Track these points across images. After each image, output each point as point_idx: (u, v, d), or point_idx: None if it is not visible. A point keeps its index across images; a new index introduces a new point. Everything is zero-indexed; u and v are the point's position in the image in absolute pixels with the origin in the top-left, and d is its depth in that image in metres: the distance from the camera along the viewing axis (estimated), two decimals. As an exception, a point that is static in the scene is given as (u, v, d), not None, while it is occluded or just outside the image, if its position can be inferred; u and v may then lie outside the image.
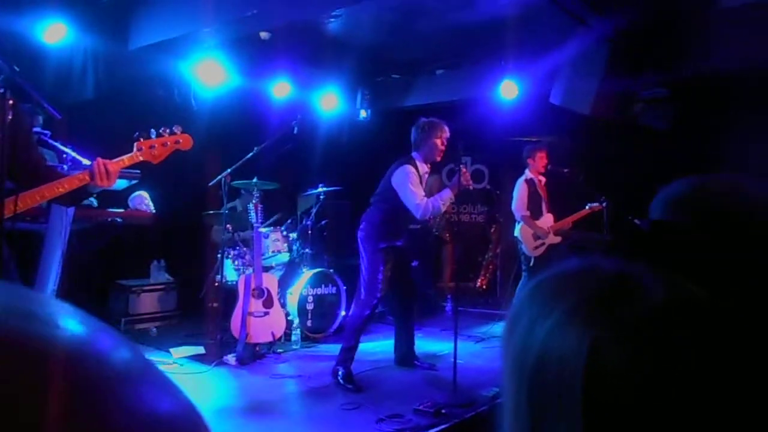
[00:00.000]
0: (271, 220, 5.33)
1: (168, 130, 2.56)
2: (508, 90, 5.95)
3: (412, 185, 3.87)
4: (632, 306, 0.49)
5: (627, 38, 5.09)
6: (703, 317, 0.49)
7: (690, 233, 0.92)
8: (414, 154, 4.04)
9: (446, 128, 4.03)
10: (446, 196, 3.89)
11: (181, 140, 2.58)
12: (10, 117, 2.17)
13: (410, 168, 3.93)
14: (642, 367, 0.47)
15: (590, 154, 6.67)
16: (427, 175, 4.11)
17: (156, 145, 2.51)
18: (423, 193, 3.90)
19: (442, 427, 3.03)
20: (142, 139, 2.49)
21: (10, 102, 2.18)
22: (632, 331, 0.48)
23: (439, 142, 3.98)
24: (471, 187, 4.15)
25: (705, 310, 0.50)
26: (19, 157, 2.24)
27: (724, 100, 5.85)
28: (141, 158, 2.49)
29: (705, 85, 5.84)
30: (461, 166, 3.95)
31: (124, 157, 2.48)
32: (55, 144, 3.72)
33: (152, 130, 2.53)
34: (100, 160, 2.36)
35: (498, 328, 5.58)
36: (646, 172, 6.54)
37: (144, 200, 4.38)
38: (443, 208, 3.92)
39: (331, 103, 6.56)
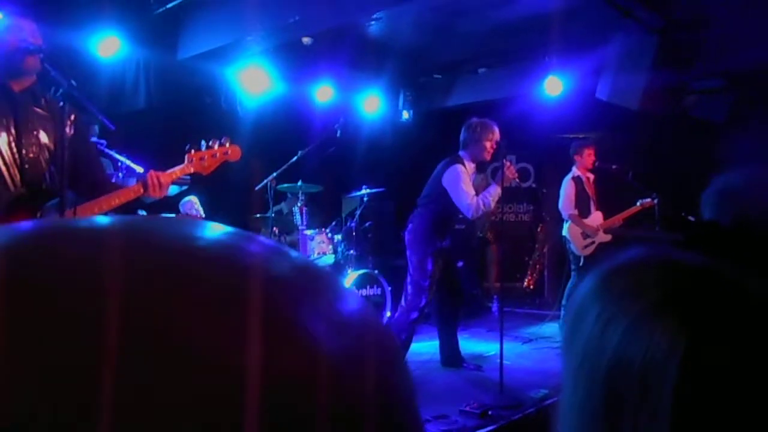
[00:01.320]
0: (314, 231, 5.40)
1: (218, 142, 2.64)
2: (553, 86, 5.84)
3: (464, 185, 3.86)
4: (729, 303, 0.47)
5: (676, 29, 4.93)
6: None
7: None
8: (462, 153, 4.02)
9: (497, 130, 4.01)
10: (494, 192, 3.87)
11: (230, 151, 2.67)
12: (72, 132, 2.29)
13: (461, 167, 3.93)
14: (747, 367, 0.45)
15: (639, 150, 6.48)
16: (474, 175, 4.10)
17: (206, 157, 2.60)
18: (474, 193, 3.89)
19: (489, 428, 3.00)
20: (193, 151, 2.58)
21: (72, 117, 2.31)
22: (734, 330, 0.46)
23: (489, 144, 3.97)
24: (517, 180, 4.11)
25: None
26: (79, 170, 2.36)
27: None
28: (192, 170, 2.59)
29: (763, 75, 5.59)
30: (504, 160, 3.93)
31: (176, 168, 2.58)
32: (111, 153, 3.88)
33: (202, 141, 2.61)
34: (153, 172, 2.45)
35: (546, 328, 5.49)
36: (698, 167, 6.31)
37: (194, 205, 4.52)
38: (493, 204, 3.89)
39: (373, 105, 6.60)
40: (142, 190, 2.41)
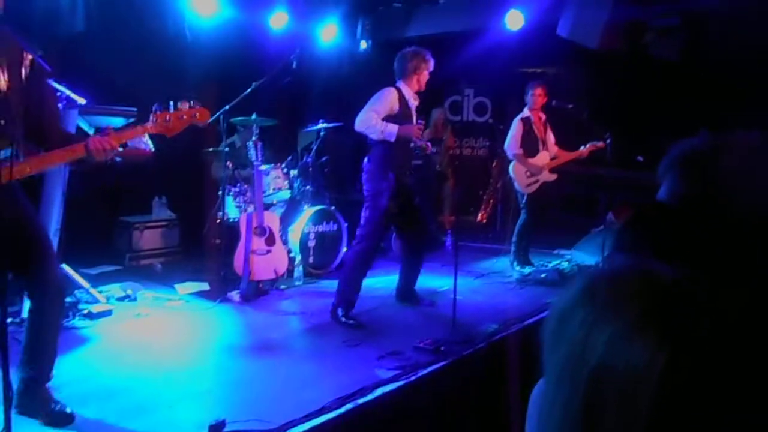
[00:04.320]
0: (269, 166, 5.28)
1: (188, 104, 2.52)
2: (514, 20, 5.74)
3: (378, 104, 3.86)
4: (701, 320, 0.51)
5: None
6: None
7: (712, 215, 0.90)
8: (398, 83, 4.02)
9: (431, 59, 4.03)
10: (388, 131, 3.86)
11: (198, 114, 2.55)
12: (27, 74, 2.16)
13: (390, 91, 3.92)
14: (722, 381, 0.49)
15: (597, 88, 6.52)
16: (416, 105, 4.06)
17: (171, 118, 2.48)
18: (380, 114, 3.87)
19: (442, 364, 3.13)
20: (159, 111, 2.46)
21: (29, 59, 2.17)
22: (707, 346, 0.50)
23: (426, 73, 3.98)
24: (416, 143, 4.15)
25: None
26: (30, 114, 2.25)
27: (735, 30, 5.64)
28: (154, 131, 2.48)
29: (717, 15, 5.62)
30: (420, 121, 3.97)
31: (138, 127, 2.48)
32: (49, 82, 3.62)
33: (171, 102, 2.49)
34: (96, 138, 2.32)
35: (498, 263, 5.65)
36: (653, 106, 6.43)
37: (142, 139, 4.31)
38: (379, 136, 3.86)
39: (330, 34, 6.34)
40: (83, 152, 2.30)
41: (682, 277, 0.55)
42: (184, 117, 2.51)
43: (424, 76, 4.01)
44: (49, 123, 2.42)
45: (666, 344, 0.50)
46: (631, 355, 0.50)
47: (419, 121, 4.02)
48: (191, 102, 2.54)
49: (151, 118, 2.47)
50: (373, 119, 3.84)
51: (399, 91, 3.96)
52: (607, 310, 0.53)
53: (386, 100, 3.88)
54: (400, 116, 3.93)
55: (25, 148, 2.36)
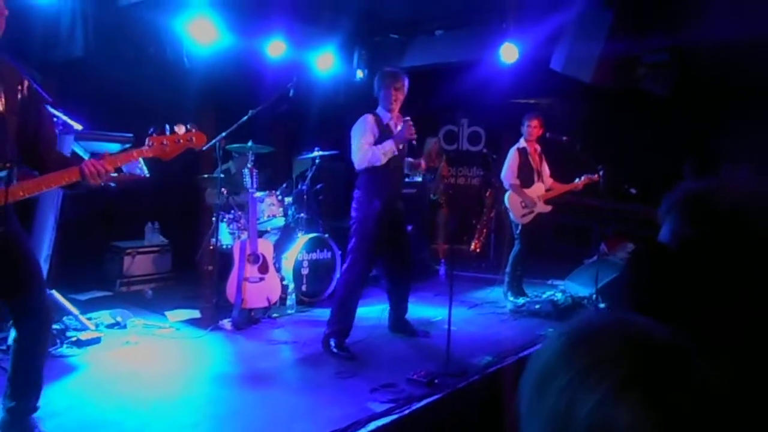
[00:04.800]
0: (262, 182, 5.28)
1: (184, 127, 2.53)
2: (508, 53, 5.82)
3: (366, 132, 3.88)
4: (688, 391, 0.50)
5: (632, 0, 4.98)
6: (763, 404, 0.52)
7: (718, 253, 0.90)
8: (377, 108, 4.04)
9: (403, 78, 3.99)
10: (387, 147, 3.88)
11: (194, 138, 2.56)
12: (21, 97, 2.16)
13: (369, 117, 3.93)
14: None
15: (589, 120, 6.61)
16: (399, 124, 4.01)
17: (168, 142, 2.48)
18: (370, 142, 3.88)
19: (436, 397, 3.08)
20: (155, 135, 2.47)
21: (25, 82, 2.18)
22: (692, 413, 0.49)
23: (393, 91, 3.93)
24: (414, 140, 4.03)
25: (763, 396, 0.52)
26: (27, 136, 2.24)
27: (724, 66, 5.76)
28: (151, 154, 2.48)
29: (706, 52, 5.75)
30: (407, 118, 3.96)
31: (134, 151, 2.48)
32: (46, 108, 3.62)
33: (167, 125, 2.50)
34: (90, 162, 2.31)
35: (492, 294, 5.63)
36: (645, 139, 6.51)
37: (137, 164, 4.31)
38: (383, 159, 3.87)
39: (327, 63, 6.41)
40: (78, 177, 2.29)
41: (667, 334, 0.54)
42: (181, 141, 2.51)
43: (395, 96, 3.94)
44: (47, 148, 2.41)
45: (650, 410, 0.49)
46: (616, 420, 0.49)
47: (405, 118, 3.95)
48: (187, 126, 2.54)
49: (147, 141, 2.47)
50: (368, 150, 3.84)
51: (375, 115, 3.97)
52: (588, 375, 0.52)
53: (366, 126, 3.90)
54: (382, 139, 3.93)
55: (19, 172, 2.34)
